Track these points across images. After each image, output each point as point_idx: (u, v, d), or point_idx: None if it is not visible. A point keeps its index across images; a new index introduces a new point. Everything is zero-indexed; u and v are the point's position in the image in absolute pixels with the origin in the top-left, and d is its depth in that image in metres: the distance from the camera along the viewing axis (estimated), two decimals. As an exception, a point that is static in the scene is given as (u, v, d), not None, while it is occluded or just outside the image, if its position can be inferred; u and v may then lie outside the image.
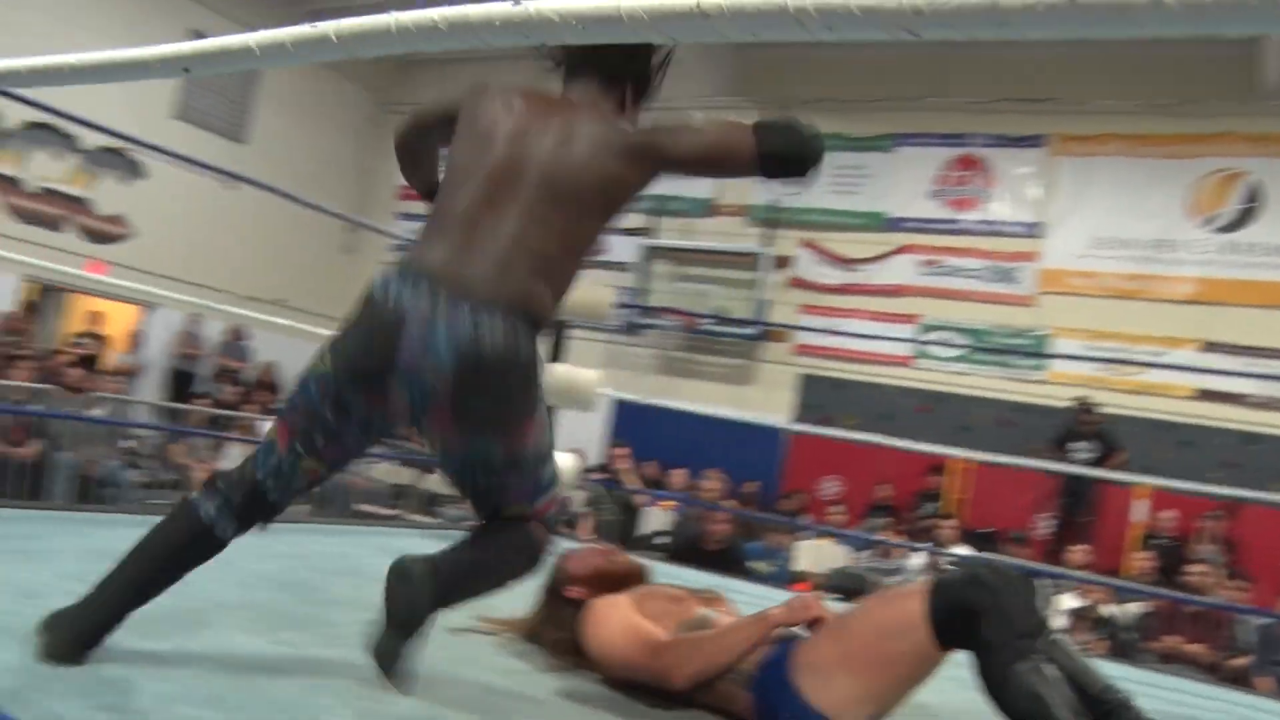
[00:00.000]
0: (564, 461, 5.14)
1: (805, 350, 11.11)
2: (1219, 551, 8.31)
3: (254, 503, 1.91)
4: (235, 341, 11.72)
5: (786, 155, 1.97)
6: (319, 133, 13.27)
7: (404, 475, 8.33)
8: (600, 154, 1.96)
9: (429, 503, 8.35)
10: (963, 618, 1.86)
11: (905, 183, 10.82)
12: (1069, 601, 7.05)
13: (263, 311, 10.94)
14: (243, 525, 1.91)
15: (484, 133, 2.01)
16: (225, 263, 11.66)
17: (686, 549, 6.95)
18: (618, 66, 2.11)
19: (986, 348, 10.20)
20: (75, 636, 1.78)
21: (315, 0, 12.19)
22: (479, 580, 2.04)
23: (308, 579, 3.04)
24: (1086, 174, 9.97)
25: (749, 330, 11.21)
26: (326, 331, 2.23)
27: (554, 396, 5.18)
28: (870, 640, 1.94)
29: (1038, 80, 10.12)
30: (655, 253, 11.80)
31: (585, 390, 5.10)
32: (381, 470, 8.14)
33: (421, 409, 1.88)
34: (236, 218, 12.04)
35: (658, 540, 7.91)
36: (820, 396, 10.81)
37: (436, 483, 8.39)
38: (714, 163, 2.03)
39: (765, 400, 10.91)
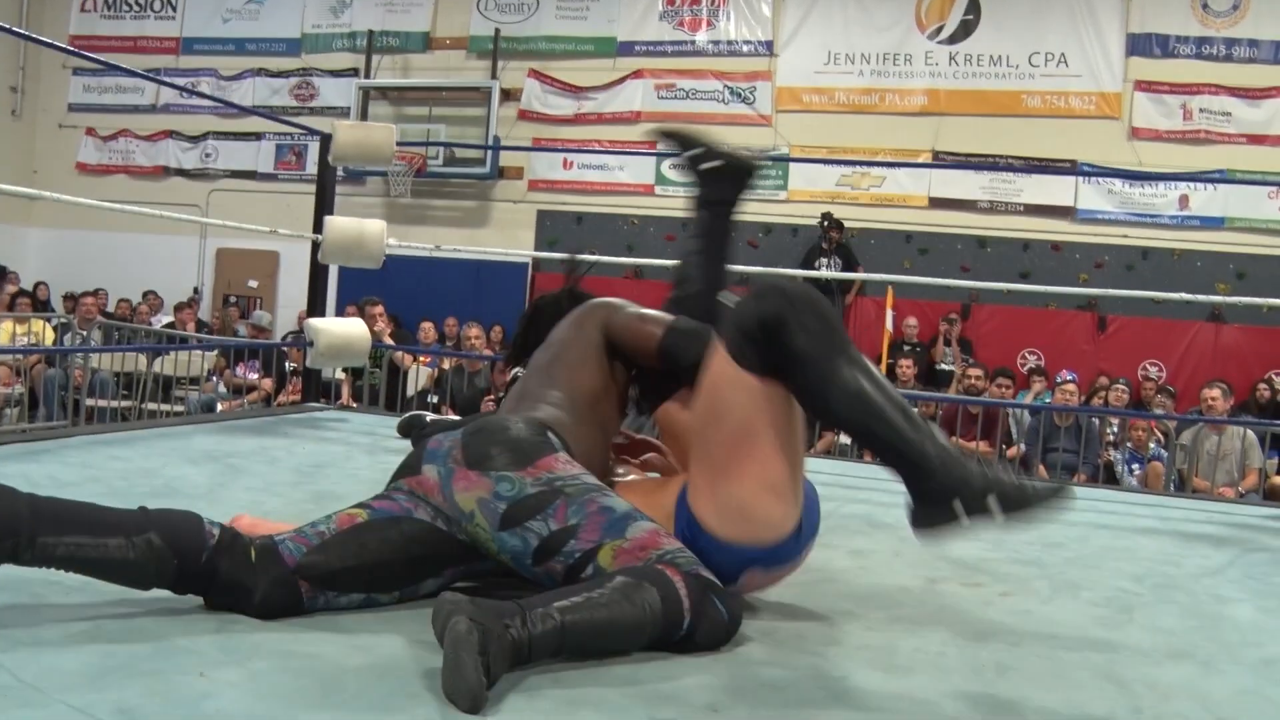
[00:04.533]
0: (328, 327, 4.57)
1: (541, 185, 10.69)
2: (959, 350, 8.84)
3: None
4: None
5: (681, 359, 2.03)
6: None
7: (128, 361, 7.34)
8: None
9: (165, 388, 7.43)
10: (765, 335, 1.71)
11: (635, 5, 10.38)
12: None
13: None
14: None
15: None
16: None
17: (471, 406, 6.51)
18: None
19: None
20: None
21: None
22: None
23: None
24: (816, -11, 9.89)
25: (482, 169, 10.61)
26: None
27: (338, 253, 4.57)
28: (713, 435, 1.79)
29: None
30: (372, 93, 10.84)
31: (374, 243, 4.53)
32: (104, 360, 7.13)
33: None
34: None
35: (431, 399, 7.42)
36: (560, 231, 10.47)
37: (169, 365, 7.46)
38: (625, 344, 2.10)
39: (504, 241, 10.45)
